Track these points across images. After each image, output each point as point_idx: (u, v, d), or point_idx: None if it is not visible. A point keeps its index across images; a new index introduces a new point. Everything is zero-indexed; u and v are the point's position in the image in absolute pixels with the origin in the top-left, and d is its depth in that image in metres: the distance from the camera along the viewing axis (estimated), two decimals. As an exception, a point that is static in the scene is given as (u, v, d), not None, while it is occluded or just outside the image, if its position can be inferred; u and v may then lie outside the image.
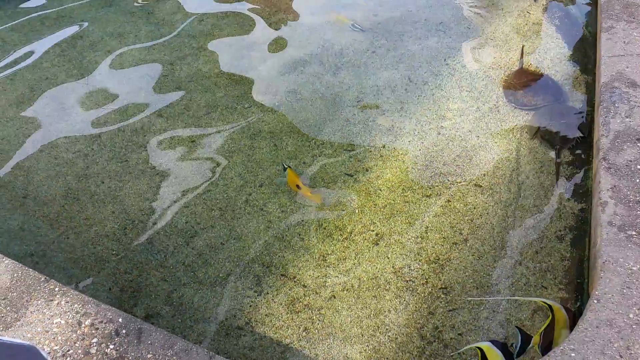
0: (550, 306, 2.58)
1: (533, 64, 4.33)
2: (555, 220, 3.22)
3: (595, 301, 2.36)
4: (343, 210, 3.40)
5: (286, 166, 3.59)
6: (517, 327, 2.62)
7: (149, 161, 3.83)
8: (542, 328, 2.54)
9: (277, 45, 4.92)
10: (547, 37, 4.67)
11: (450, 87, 4.24)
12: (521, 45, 4.47)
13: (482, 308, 2.84)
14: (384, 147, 3.80)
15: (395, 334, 2.77)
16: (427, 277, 3.00)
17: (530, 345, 2.52)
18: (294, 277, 3.06)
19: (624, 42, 3.73)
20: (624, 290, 2.36)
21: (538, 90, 4.04)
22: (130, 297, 3.03)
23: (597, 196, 2.85)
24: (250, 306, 2.95)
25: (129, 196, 3.61)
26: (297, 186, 3.50)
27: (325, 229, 3.31)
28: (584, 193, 3.33)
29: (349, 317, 2.86)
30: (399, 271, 3.04)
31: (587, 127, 3.67)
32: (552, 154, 3.60)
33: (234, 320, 2.89)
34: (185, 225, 3.40)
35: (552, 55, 4.43)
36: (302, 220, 3.37)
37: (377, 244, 3.19)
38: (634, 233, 2.58)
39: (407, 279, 3.00)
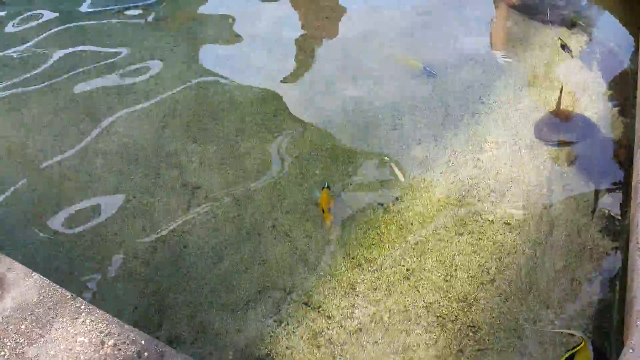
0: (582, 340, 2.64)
1: (570, 103, 4.27)
2: (586, 262, 3.15)
3: (630, 350, 2.29)
4: (373, 244, 3.38)
5: (325, 185, 3.65)
6: None
7: (180, 179, 3.87)
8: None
9: (309, 69, 4.97)
10: (586, 74, 4.61)
11: (485, 121, 4.21)
12: (560, 85, 4.41)
13: (510, 351, 2.78)
14: (414, 178, 3.78)
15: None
16: (456, 315, 2.95)
17: None
18: (319, 307, 3.05)
19: (666, 83, 3.67)
20: (662, 343, 2.29)
21: (567, 128, 4.00)
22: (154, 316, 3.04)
23: (635, 240, 2.78)
24: (271, 336, 2.94)
25: (160, 213, 3.64)
26: (323, 210, 3.50)
27: (353, 259, 3.28)
28: (618, 235, 3.26)
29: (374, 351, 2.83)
30: (430, 306, 3.00)
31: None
32: (589, 189, 3.57)
33: (254, 349, 2.88)
34: (213, 248, 3.41)
35: (589, 94, 4.36)
36: (330, 250, 3.36)
37: (408, 279, 3.17)
38: (673, 282, 2.51)
39: (438, 314, 2.96)
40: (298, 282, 3.18)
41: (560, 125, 4.03)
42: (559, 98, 4.24)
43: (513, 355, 2.77)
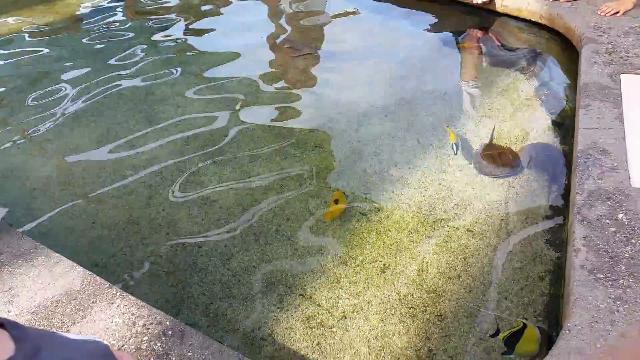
0: (524, 324, 2.78)
1: (522, 135, 4.44)
2: (537, 264, 3.25)
3: (567, 332, 2.39)
4: (356, 245, 3.48)
5: (343, 191, 3.88)
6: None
7: (200, 195, 3.98)
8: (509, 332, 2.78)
9: (312, 105, 5.13)
10: (535, 110, 4.80)
11: (449, 147, 4.36)
12: (493, 125, 4.54)
13: (470, 336, 2.86)
14: (393, 192, 3.90)
15: (398, 355, 2.80)
16: (426, 305, 3.04)
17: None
18: (311, 297, 3.13)
19: (598, 117, 3.83)
20: (592, 324, 2.39)
21: (498, 163, 4.09)
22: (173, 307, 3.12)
23: (572, 244, 2.90)
24: (274, 319, 3.02)
25: (182, 222, 3.75)
26: (333, 201, 3.77)
27: (340, 257, 3.39)
28: (560, 242, 3.38)
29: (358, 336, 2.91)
30: (404, 298, 3.09)
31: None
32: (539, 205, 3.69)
33: (258, 332, 2.95)
34: (224, 249, 3.50)
35: (537, 126, 4.54)
36: (322, 248, 3.46)
37: (384, 272, 3.26)
38: (601, 276, 2.62)
39: (410, 306, 3.04)
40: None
41: (493, 160, 4.10)
42: (492, 133, 4.39)
43: (472, 338, 2.85)
